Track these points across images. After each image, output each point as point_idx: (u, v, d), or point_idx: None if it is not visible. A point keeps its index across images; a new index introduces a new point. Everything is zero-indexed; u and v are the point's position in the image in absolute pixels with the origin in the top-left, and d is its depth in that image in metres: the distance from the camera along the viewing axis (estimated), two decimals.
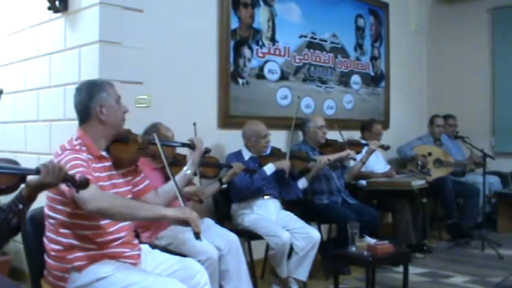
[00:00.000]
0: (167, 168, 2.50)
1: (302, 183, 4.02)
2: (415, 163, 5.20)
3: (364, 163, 4.47)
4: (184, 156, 3.09)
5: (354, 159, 4.33)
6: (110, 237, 2.22)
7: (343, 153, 4.21)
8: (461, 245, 5.02)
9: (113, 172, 2.31)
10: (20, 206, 1.82)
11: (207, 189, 3.42)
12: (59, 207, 2.15)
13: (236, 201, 3.76)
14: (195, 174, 3.08)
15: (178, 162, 3.09)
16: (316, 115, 4.59)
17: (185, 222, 2.18)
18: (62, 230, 2.16)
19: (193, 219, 2.17)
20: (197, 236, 2.16)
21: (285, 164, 3.81)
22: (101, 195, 2.07)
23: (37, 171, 1.76)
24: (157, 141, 2.53)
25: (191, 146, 2.68)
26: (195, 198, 3.22)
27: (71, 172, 1.96)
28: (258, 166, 3.75)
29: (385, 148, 4.63)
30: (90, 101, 2.27)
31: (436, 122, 5.66)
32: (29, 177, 1.81)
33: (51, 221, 2.19)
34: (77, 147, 2.20)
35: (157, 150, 2.53)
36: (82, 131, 2.29)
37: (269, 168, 3.74)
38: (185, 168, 2.64)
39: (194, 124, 3.11)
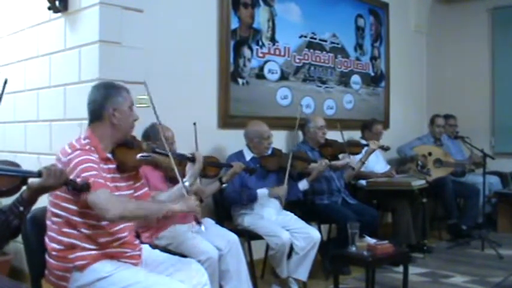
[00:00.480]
0: (177, 175, 2.50)
1: (303, 184, 4.01)
2: (415, 163, 5.20)
3: (363, 163, 4.47)
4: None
5: (353, 169, 4.32)
6: (112, 237, 2.22)
7: (343, 162, 4.23)
8: (461, 245, 5.02)
9: (117, 175, 2.31)
10: (21, 208, 1.82)
11: (208, 189, 3.42)
12: (66, 205, 2.14)
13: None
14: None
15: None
16: (316, 115, 4.59)
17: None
18: (65, 229, 2.16)
19: (198, 211, 2.38)
20: (199, 223, 2.44)
21: (281, 191, 3.71)
22: (116, 201, 2.08)
23: (39, 174, 1.76)
24: (169, 151, 2.54)
25: (192, 159, 2.73)
26: (195, 197, 3.21)
27: (83, 175, 2.00)
28: (259, 166, 3.75)
29: (385, 149, 4.63)
30: (105, 102, 2.28)
31: (437, 122, 5.65)
32: (31, 180, 1.81)
33: (55, 219, 2.17)
34: (87, 147, 2.19)
35: (159, 159, 2.56)
36: (91, 130, 2.29)
37: (262, 193, 3.69)
38: (184, 179, 2.65)
39: (194, 124, 3.11)
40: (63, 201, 2.14)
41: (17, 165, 1.91)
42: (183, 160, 2.81)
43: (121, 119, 2.30)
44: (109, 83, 2.45)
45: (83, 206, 2.10)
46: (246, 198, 3.64)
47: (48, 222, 2.21)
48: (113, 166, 2.30)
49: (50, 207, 2.20)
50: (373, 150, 4.50)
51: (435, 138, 5.65)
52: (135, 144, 2.43)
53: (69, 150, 2.16)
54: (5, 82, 1.92)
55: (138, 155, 2.39)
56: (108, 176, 2.23)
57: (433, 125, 5.67)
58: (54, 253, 2.18)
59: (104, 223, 2.17)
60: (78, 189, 1.85)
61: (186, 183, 2.63)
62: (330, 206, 4.18)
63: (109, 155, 2.30)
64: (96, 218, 2.14)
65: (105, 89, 2.34)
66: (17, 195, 1.84)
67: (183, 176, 2.68)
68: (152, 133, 3.18)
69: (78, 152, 2.14)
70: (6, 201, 1.86)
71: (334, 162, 4.18)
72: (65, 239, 2.16)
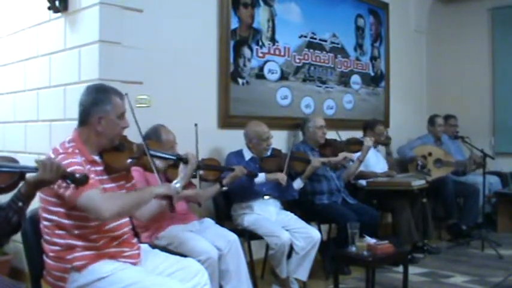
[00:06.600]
0: (158, 179, 2.48)
1: (297, 183, 4.00)
2: (414, 164, 5.20)
3: (361, 161, 4.45)
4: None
5: (352, 161, 4.32)
6: (107, 235, 2.22)
7: (339, 158, 4.18)
8: (461, 245, 5.02)
9: (104, 177, 2.29)
10: (20, 204, 1.82)
11: (207, 191, 3.40)
12: (54, 208, 2.14)
13: (236, 201, 3.76)
14: (194, 177, 3.06)
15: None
16: (316, 115, 4.58)
17: (168, 198, 2.36)
18: (58, 232, 2.16)
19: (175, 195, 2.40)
20: (172, 209, 2.42)
21: (279, 176, 3.73)
22: (109, 199, 2.08)
23: (35, 169, 1.76)
24: (148, 152, 2.46)
25: (184, 160, 2.67)
26: (193, 201, 3.22)
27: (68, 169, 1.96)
28: (258, 167, 3.74)
29: (384, 144, 4.58)
30: (92, 109, 2.25)
31: (438, 122, 5.65)
32: (28, 175, 1.81)
33: (46, 223, 2.18)
34: (70, 150, 2.18)
35: (148, 161, 2.47)
36: (77, 133, 2.28)
37: (260, 178, 3.69)
38: (175, 181, 2.63)
39: (195, 125, 3.08)
40: (51, 205, 2.15)
41: (14, 160, 1.90)
42: (175, 161, 2.77)
43: (106, 127, 2.26)
44: (102, 87, 2.36)
45: (70, 208, 2.10)
46: (247, 185, 3.64)
47: (41, 226, 2.21)
48: (99, 168, 2.27)
49: (41, 213, 2.20)
50: (369, 148, 4.45)
51: (435, 138, 5.64)
52: (126, 146, 2.39)
53: (53, 156, 2.16)
54: None
55: (127, 158, 2.36)
56: (96, 178, 2.19)
57: (434, 126, 5.66)
58: (51, 254, 2.18)
59: (93, 223, 2.16)
60: (77, 182, 1.84)
61: (178, 185, 2.59)
62: (330, 206, 4.17)
63: (96, 157, 2.28)
64: (84, 219, 2.13)
65: (95, 93, 2.28)
66: (15, 191, 1.84)
67: (166, 179, 2.67)
68: (154, 135, 3.17)
69: (61, 156, 2.13)
70: (5, 198, 1.85)
71: (332, 159, 4.15)
72: (60, 241, 2.16)
